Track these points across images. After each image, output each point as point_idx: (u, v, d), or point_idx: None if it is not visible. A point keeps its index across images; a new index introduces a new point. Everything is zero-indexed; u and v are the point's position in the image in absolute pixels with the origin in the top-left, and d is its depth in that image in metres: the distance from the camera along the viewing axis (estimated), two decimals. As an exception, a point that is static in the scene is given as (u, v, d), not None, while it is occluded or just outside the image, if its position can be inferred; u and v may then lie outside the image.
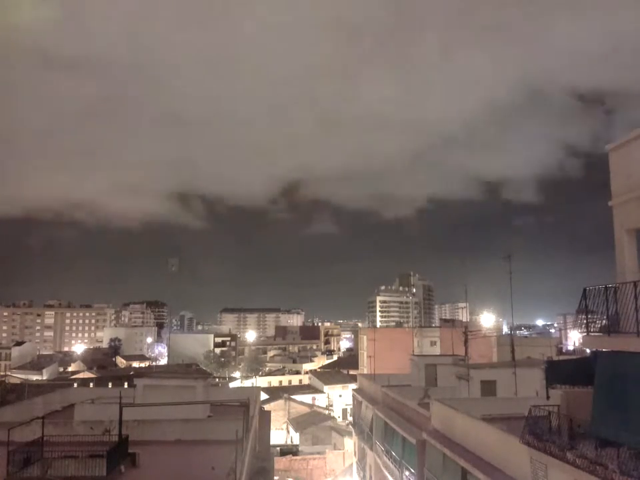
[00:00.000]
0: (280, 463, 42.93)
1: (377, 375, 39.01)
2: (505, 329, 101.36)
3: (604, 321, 12.04)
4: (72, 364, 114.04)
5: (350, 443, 46.07)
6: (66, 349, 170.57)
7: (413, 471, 22.46)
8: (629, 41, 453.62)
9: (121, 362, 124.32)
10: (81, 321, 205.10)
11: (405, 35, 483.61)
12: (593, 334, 12.21)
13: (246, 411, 20.00)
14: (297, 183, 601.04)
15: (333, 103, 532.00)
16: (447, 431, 19.78)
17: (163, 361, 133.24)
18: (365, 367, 71.11)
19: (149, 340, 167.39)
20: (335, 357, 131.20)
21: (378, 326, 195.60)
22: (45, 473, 13.82)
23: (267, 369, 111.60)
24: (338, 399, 76.90)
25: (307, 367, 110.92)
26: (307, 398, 73.52)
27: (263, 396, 56.01)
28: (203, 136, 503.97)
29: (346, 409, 70.17)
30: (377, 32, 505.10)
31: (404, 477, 23.63)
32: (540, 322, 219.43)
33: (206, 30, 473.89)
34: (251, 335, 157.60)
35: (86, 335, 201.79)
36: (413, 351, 51.78)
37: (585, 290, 12.29)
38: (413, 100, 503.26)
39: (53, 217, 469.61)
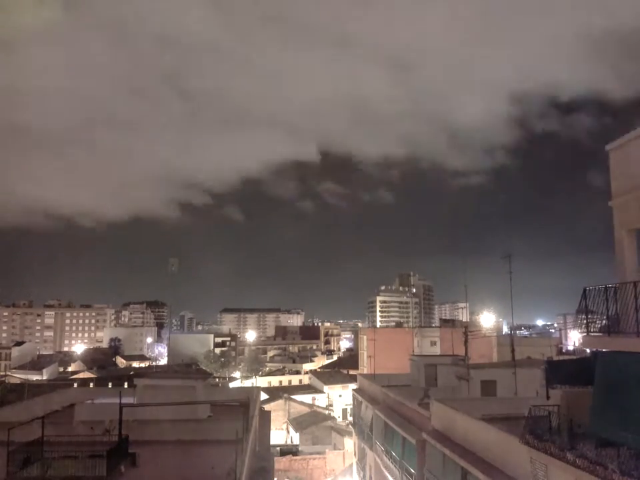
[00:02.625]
0: (280, 463, 42.92)
1: (377, 375, 39.01)
2: (505, 329, 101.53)
3: (604, 321, 12.04)
4: (72, 364, 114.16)
5: (350, 443, 46.06)
6: (66, 349, 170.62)
7: (413, 470, 22.46)
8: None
9: (121, 362, 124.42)
10: (80, 321, 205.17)
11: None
12: (593, 334, 12.21)
13: (246, 411, 20.00)
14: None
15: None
16: (447, 431, 19.77)
17: (163, 361, 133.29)
18: (365, 367, 71.11)
19: (149, 340, 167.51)
20: (335, 357, 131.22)
21: (378, 326, 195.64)
22: (45, 473, 13.82)
23: (267, 369, 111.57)
24: (338, 398, 76.89)
25: (307, 367, 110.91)
26: (307, 398, 73.53)
27: (263, 396, 56.00)
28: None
29: (346, 408, 70.15)
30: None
31: (404, 477, 23.63)
32: (540, 322, 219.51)
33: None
34: (250, 335, 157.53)
35: (86, 335, 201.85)
36: (413, 351, 51.76)
37: (584, 290, 12.29)
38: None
39: (53, 217, 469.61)
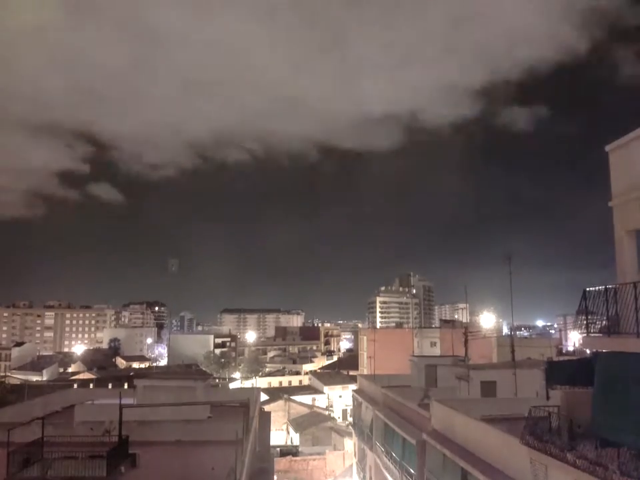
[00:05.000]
0: (280, 463, 42.93)
1: (377, 376, 38.99)
2: (505, 330, 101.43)
3: (604, 322, 12.05)
4: (72, 365, 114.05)
5: (350, 444, 46.05)
6: (66, 349, 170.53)
7: (413, 471, 22.46)
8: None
9: (121, 363, 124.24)
10: (80, 322, 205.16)
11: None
12: (592, 335, 12.21)
13: (246, 412, 20.02)
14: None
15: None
16: (447, 432, 19.77)
17: (163, 362, 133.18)
18: (365, 368, 71.12)
19: (149, 340, 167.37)
20: (335, 358, 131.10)
21: (378, 327, 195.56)
22: (45, 474, 13.82)
23: (267, 369, 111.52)
24: (338, 399, 76.85)
25: (306, 367, 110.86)
26: (306, 399, 73.46)
27: (263, 397, 55.96)
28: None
29: (346, 409, 70.13)
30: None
31: (404, 477, 23.62)
32: (540, 322, 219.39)
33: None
34: (250, 336, 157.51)
35: (86, 335, 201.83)
36: (413, 352, 51.75)
37: (584, 291, 12.29)
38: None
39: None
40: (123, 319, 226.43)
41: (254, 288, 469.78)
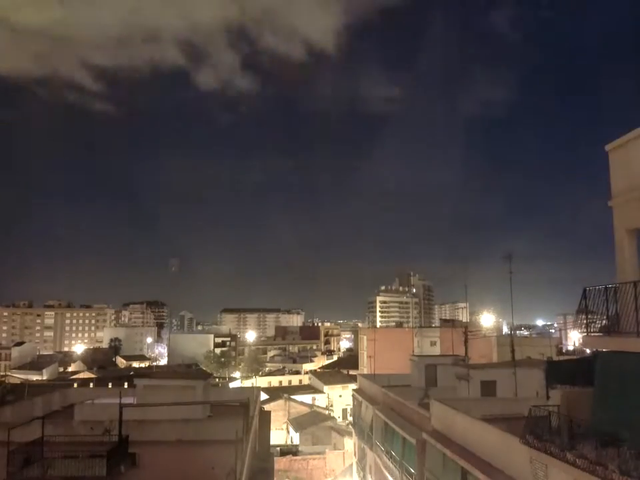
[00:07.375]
0: (280, 463, 42.91)
1: (377, 375, 38.99)
2: (505, 329, 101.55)
3: (604, 321, 12.05)
4: (72, 364, 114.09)
5: (350, 443, 46.06)
6: (66, 349, 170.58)
7: (413, 471, 22.46)
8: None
9: (121, 362, 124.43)
10: (80, 321, 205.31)
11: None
12: (593, 334, 12.22)
13: (246, 411, 20.04)
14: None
15: None
16: (447, 431, 19.77)
17: (163, 361, 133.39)
18: (365, 367, 71.12)
19: (149, 340, 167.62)
20: (335, 357, 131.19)
21: (378, 326, 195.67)
22: (45, 473, 13.84)
23: (267, 369, 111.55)
24: (338, 399, 76.85)
25: (306, 367, 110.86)
26: (307, 398, 73.50)
27: (263, 396, 55.94)
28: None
29: (346, 409, 70.13)
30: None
31: (404, 477, 23.63)
32: (540, 322, 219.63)
33: None
34: (250, 335, 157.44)
35: (86, 335, 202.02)
36: (413, 351, 51.74)
37: (585, 290, 12.29)
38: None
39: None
40: (122, 319, 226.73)
41: (254, 288, 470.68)
